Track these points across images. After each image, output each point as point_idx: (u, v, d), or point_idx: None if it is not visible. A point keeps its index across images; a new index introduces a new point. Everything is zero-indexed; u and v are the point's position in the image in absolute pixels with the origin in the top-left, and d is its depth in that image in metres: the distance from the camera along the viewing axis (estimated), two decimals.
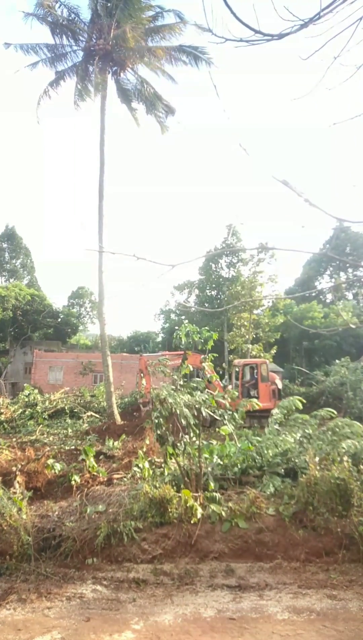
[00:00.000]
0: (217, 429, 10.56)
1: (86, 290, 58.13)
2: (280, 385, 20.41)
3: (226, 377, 25.53)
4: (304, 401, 9.73)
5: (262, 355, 31.32)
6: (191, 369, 9.18)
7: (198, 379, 8.48)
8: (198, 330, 8.57)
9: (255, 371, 20.89)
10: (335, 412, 9.38)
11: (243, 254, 38.47)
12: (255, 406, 10.20)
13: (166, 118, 21.37)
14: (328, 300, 45.53)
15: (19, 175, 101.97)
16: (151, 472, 8.04)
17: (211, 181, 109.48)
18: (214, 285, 42.89)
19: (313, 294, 43.80)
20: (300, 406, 9.50)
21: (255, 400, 10.55)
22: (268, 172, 3.26)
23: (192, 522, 6.50)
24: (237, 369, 21.81)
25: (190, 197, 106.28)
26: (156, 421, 7.21)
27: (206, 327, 8.91)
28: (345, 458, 7.20)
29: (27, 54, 20.17)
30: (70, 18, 20.41)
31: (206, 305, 41.38)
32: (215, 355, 8.85)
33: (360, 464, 7.33)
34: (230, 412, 9.11)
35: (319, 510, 6.62)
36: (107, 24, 19.37)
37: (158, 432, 7.43)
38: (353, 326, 4.48)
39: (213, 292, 43.13)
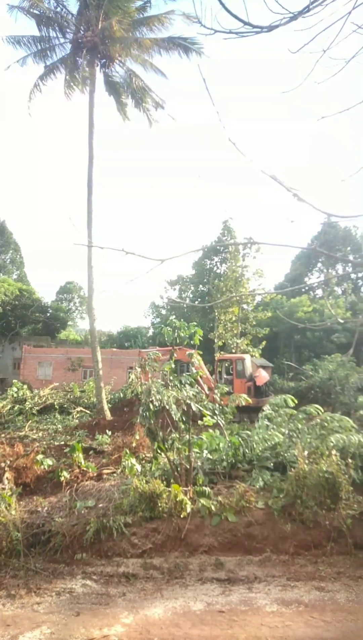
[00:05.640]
0: (202, 423, 10.61)
1: (74, 285, 57.76)
2: (263, 381, 20.31)
3: (217, 373, 25.61)
4: (295, 401, 9.79)
5: (250, 350, 31.38)
6: (177, 364, 9.17)
7: (188, 373, 8.48)
8: (186, 325, 8.53)
9: (231, 367, 20.92)
10: (322, 409, 9.45)
11: (231, 251, 38.40)
12: (243, 402, 10.25)
13: (156, 111, 21.22)
14: (318, 296, 45.75)
15: (8, 169, 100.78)
16: (136, 469, 8.03)
17: (204, 177, 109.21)
18: (206, 281, 42.85)
19: (303, 290, 43.99)
20: (292, 404, 9.56)
21: (244, 395, 10.57)
22: (258, 167, 3.25)
23: (182, 516, 6.53)
24: (227, 365, 21.89)
25: (183, 194, 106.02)
26: (143, 414, 7.19)
27: (194, 323, 8.87)
28: (334, 452, 7.27)
29: (15, 46, 19.88)
30: (57, 10, 20.14)
31: (198, 301, 41.32)
32: (200, 352, 8.83)
33: (348, 458, 7.41)
34: (220, 407, 9.14)
35: (308, 504, 6.69)
36: (95, 16, 19.13)
37: (147, 426, 7.43)
38: (341, 321, 4.50)
39: (205, 288, 43.07)
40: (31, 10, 19.38)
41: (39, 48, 20.17)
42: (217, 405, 9.87)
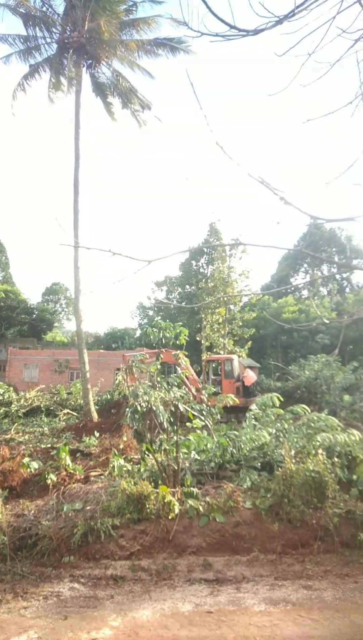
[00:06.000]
0: (192, 424, 10.61)
1: (60, 286, 57.40)
2: (251, 381, 20.39)
3: (205, 374, 25.68)
4: (281, 399, 9.85)
5: (237, 350, 31.51)
6: (164, 365, 9.14)
7: (174, 375, 8.48)
8: (171, 325, 8.51)
9: (219, 368, 20.99)
10: (308, 409, 9.54)
11: (219, 251, 38.51)
12: (230, 402, 10.28)
13: (143, 112, 21.20)
14: (304, 296, 46.18)
15: None
16: (123, 471, 8.01)
17: (193, 177, 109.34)
18: (192, 283, 42.95)
19: (289, 290, 44.35)
20: (277, 403, 9.62)
21: (231, 396, 10.61)
22: (245, 170, 3.27)
23: (170, 517, 6.52)
24: (214, 365, 21.93)
25: (172, 194, 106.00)
26: (131, 416, 7.18)
27: (179, 323, 8.84)
28: (320, 451, 7.34)
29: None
30: (43, 9, 20.02)
31: (185, 302, 41.34)
32: (186, 353, 8.81)
33: (334, 457, 7.48)
34: (207, 408, 9.16)
35: (295, 503, 6.73)
36: (82, 16, 19.06)
37: (135, 428, 7.40)
38: (326, 321, 4.54)
39: (192, 289, 43.14)
40: (17, 9, 19.24)
41: (24, 47, 20.03)
42: (204, 406, 9.88)
